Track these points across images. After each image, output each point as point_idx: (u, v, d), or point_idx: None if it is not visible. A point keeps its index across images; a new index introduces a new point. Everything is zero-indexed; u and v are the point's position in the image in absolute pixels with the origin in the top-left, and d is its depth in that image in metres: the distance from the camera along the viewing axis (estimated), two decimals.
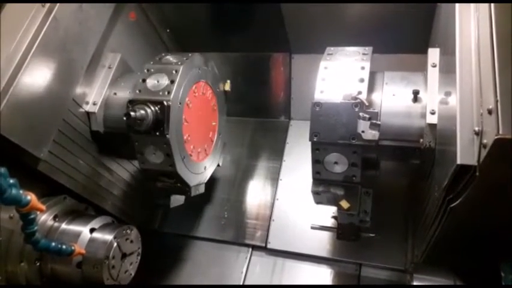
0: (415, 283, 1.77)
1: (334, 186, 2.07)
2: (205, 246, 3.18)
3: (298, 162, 3.28)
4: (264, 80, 3.54)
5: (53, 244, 1.81)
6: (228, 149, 3.25)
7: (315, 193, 2.12)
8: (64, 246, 1.86)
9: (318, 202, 2.22)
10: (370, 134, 1.75)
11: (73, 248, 1.91)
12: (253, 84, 3.53)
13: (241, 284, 2.93)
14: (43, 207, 1.54)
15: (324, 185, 2.07)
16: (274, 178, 3.30)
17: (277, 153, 3.40)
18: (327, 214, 2.69)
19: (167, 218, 3.32)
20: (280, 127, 3.52)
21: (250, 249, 3.08)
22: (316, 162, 2.02)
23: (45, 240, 1.77)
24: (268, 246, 3.03)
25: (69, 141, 2.27)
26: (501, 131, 1.09)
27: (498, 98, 1.15)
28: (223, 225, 3.21)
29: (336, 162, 1.99)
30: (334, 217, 2.44)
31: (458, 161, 1.24)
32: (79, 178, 2.38)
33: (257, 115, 3.64)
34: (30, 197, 1.44)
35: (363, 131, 1.77)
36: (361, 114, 1.77)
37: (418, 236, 2.40)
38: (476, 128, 1.24)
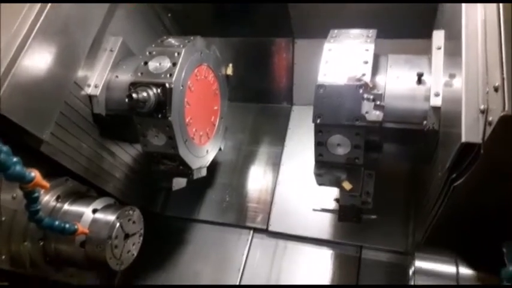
0: (416, 263, 1.79)
1: (336, 168, 2.07)
2: (207, 229, 3.21)
3: (299, 148, 3.29)
4: (266, 65, 3.53)
5: (57, 223, 1.82)
6: (229, 134, 3.25)
7: (317, 175, 2.13)
8: (67, 225, 1.87)
9: (320, 184, 2.23)
10: (374, 115, 1.75)
11: (76, 227, 1.92)
12: (256, 69, 3.52)
13: (242, 265, 2.96)
14: (47, 184, 1.54)
15: (326, 167, 2.08)
16: (275, 163, 3.31)
17: (279, 138, 3.41)
18: (328, 198, 2.71)
19: (169, 201, 3.34)
20: (282, 112, 3.52)
21: (252, 232, 3.11)
22: (319, 144, 2.02)
23: (48, 218, 1.79)
24: (270, 228, 3.06)
25: (72, 123, 2.27)
26: (507, 107, 1.09)
27: (504, 75, 1.14)
28: (225, 208, 3.23)
29: (338, 144, 1.99)
30: (336, 199, 2.45)
31: (463, 139, 1.25)
32: (81, 160, 2.38)
33: (259, 100, 3.63)
34: (35, 173, 1.45)
35: (366, 112, 1.77)
36: (365, 95, 1.76)
37: (419, 218, 2.41)
38: (482, 107, 1.24)
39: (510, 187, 1.32)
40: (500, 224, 1.47)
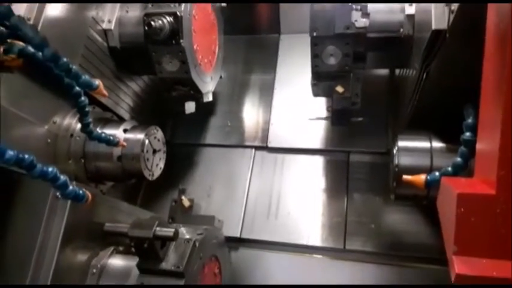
0: (399, 143, 2.26)
1: (329, 77, 2.46)
2: (214, 151, 3.61)
3: (290, 73, 3.65)
4: None
5: (103, 135, 2.16)
6: (224, 67, 3.54)
7: (314, 85, 2.52)
8: (111, 138, 2.21)
9: (315, 94, 2.63)
10: (362, 22, 2.11)
11: (117, 139, 2.26)
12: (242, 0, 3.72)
13: (248, 178, 3.40)
14: (106, 93, 1.86)
15: (321, 77, 2.46)
16: (269, 88, 3.67)
17: (270, 66, 3.74)
18: (320, 110, 3.12)
19: (177, 131, 3.68)
20: (271, 42, 3.82)
21: (254, 150, 3.52)
22: (315, 56, 2.39)
23: (96, 131, 2.12)
24: (269, 145, 3.49)
25: (93, 56, 2.53)
26: None
27: None
28: (228, 132, 3.62)
29: (331, 55, 2.37)
30: (328, 108, 2.87)
31: (433, 27, 1.64)
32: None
33: (248, 32, 3.90)
34: (98, 82, 1.76)
35: (355, 20, 2.13)
36: (353, 5, 2.12)
37: (398, 119, 2.86)
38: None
39: (470, 61, 1.72)
40: (464, 96, 1.89)
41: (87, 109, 1.95)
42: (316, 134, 3.41)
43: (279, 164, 3.44)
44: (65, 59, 1.63)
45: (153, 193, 3.47)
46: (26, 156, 1.34)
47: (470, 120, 1.65)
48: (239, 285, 2.95)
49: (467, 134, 1.64)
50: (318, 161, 3.39)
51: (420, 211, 2.99)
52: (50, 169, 1.44)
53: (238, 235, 3.17)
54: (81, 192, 1.59)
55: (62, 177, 1.49)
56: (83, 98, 1.89)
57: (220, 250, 2.45)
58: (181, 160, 3.57)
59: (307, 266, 3.05)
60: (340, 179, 3.29)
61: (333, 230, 3.11)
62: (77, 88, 1.83)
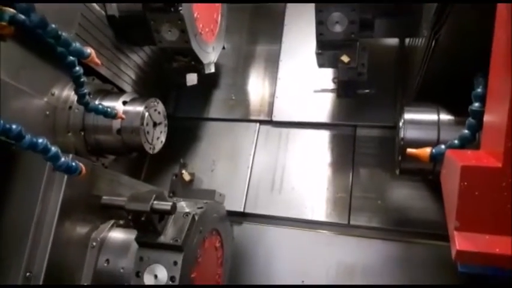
0: (405, 115, 2.17)
1: (335, 46, 2.35)
2: (217, 125, 3.56)
3: (297, 44, 3.53)
4: None
5: (100, 106, 2.11)
6: (227, 36, 3.42)
7: (318, 54, 2.41)
8: (109, 109, 2.17)
9: (320, 65, 2.53)
10: None
11: (115, 111, 2.21)
12: None
13: (252, 152, 3.35)
14: (99, 62, 1.80)
15: (326, 46, 2.36)
16: (274, 60, 3.56)
17: (276, 36, 3.61)
18: (326, 81, 3.02)
19: (180, 104, 3.62)
20: (277, 10, 3.67)
21: (258, 124, 3.46)
22: (320, 23, 2.28)
23: (93, 103, 2.07)
24: (274, 119, 3.41)
25: (91, 25, 2.46)
26: None
27: None
28: (232, 105, 3.55)
29: (337, 22, 2.25)
30: (334, 79, 2.77)
31: None
32: (102, 60, 2.61)
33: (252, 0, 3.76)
34: (90, 50, 1.70)
35: None
36: None
37: (407, 91, 2.75)
38: None
39: (482, 31, 1.62)
40: (473, 67, 1.79)
41: (82, 79, 1.90)
42: (322, 107, 3.32)
43: (283, 138, 3.38)
44: (53, 25, 1.57)
45: (156, 167, 3.45)
46: (14, 126, 1.30)
47: (479, 90, 1.55)
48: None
49: (476, 104, 1.55)
50: (324, 135, 3.31)
51: (427, 187, 2.92)
52: (40, 140, 1.40)
53: (241, 209, 3.15)
54: (73, 164, 1.56)
55: (53, 149, 1.45)
56: (77, 68, 1.84)
57: (222, 224, 2.43)
58: (184, 134, 3.52)
59: (310, 241, 3.03)
60: (346, 153, 3.22)
61: (337, 205, 3.07)
62: (71, 57, 1.77)
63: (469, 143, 1.58)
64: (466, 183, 1.15)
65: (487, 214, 1.15)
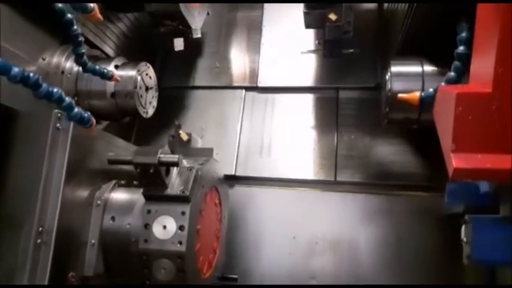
0: (392, 68, 2.31)
1: (321, 5, 2.44)
2: (203, 93, 3.59)
3: (278, 9, 3.59)
4: None
5: (97, 67, 2.12)
6: (207, 5, 3.43)
7: (306, 14, 2.50)
8: (105, 71, 2.17)
9: (307, 25, 2.62)
10: None
11: (111, 73, 2.22)
12: None
13: (240, 119, 3.43)
14: (101, 18, 1.81)
15: (313, 5, 2.44)
16: (257, 26, 3.62)
17: (258, 2, 3.65)
18: (309, 47, 3.12)
19: (164, 74, 3.61)
20: None
21: (244, 91, 3.52)
22: None
23: (91, 64, 2.07)
24: (259, 85, 3.49)
25: None
26: None
27: None
28: (217, 73, 3.59)
29: None
30: (320, 39, 2.87)
31: None
32: (90, 26, 2.59)
33: None
34: (94, 5, 1.71)
35: None
36: None
37: (388, 51, 2.89)
38: None
39: None
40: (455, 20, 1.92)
41: (80, 38, 1.89)
42: (306, 71, 3.42)
43: (269, 103, 3.47)
44: None
45: (144, 137, 3.47)
46: (32, 74, 1.32)
47: (464, 34, 1.70)
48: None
49: (461, 47, 1.70)
50: (308, 98, 3.43)
51: (408, 142, 3.11)
52: (55, 90, 1.43)
53: (232, 173, 3.25)
54: (86, 115, 1.59)
55: (68, 99, 1.48)
56: (75, 27, 1.83)
57: (220, 183, 2.52)
58: (171, 103, 3.53)
59: (300, 199, 3.18)
60: (330, 115, 3.35)
61: (324, 164, 3.22)
62: (69, 16, 1.77)
63: (455, 84, 1.73)
64: (460, 108, 1.29)
65: (479, 135, 1.30)
